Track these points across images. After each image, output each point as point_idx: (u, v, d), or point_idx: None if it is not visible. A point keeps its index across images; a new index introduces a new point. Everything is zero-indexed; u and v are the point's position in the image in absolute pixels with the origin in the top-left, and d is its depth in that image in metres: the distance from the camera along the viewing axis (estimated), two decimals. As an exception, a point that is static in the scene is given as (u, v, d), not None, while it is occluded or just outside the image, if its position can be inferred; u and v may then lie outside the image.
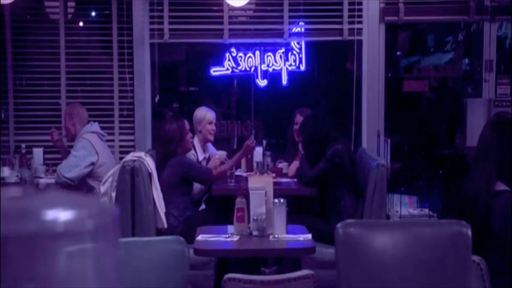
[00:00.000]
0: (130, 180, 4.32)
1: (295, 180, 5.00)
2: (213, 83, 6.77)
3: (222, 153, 5.36)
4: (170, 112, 7.13)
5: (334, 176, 4.61)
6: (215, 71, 5.87)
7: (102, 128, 5.22)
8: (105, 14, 5.87)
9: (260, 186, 3.74)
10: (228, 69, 5.81)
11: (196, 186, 5.00)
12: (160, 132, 4.93)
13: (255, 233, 3.69)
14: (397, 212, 4.80)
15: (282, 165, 5.44)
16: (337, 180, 4.61)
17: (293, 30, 5.78)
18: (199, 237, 3.67)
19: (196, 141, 5.23)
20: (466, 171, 5.81)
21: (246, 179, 4.43)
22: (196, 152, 5.16)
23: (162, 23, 5.70)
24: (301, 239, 3.66)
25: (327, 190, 4.67)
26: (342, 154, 4.63)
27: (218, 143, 5.68)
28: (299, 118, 5.24)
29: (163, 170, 4.65)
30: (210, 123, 5.28)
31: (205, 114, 5.30)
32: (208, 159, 5.25)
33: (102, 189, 4.46)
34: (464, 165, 5.96)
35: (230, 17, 5.77)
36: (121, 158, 4.97)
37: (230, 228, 3.81)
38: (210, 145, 5.43)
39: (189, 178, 4.79)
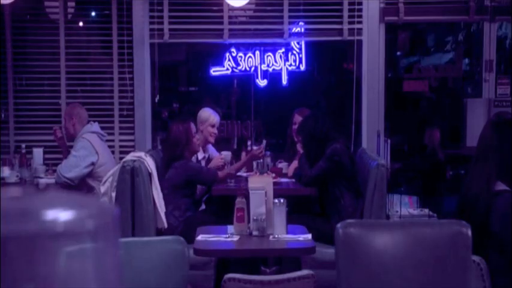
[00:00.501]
0: (130, 180, 4.32)
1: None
2: (213, 83, 6.77)
3: (227, 154, 5.32)
4: (166, 112, 7.13)
5: (333, 176, 4.61)
6: (215, 71, 5.86)
7: (102, 128, 5.21)
8: (105, 14, 5.87)
9: (260, 186, 3.74)
10: (228, 69, 5.81)
11: (197, 186, 4.99)
12: (166, 136, 4.91)
13: (255, 233, 3.69)
14: (397, 212, 4.80)
15: (282, 165, 5.43)
16: (337, 179, 4.61)
17: (293, 30, 5.78)
18: (199, 237, 3.67)
19: (196, 141, 5.21)
20: (438, 170, 5.93)
21: (246, 179, 4.43)
22: (196, 152, 5.15)
23: (162, 23, 5.70)
24: (301, 239, 3.66)
25: (327, 190, 4.67)
26: (341, 153, 4.63)
27: (218, 143, 5.67)
28: (297, 118, 5.24)
29: (168, 170, 4.64)
30: (213, 126, 5.26)
31: (209, 116, 5.27)
32: (208, 160, 5.24)
33: (102, 189, 4.46)
34: (434, 163, 6.03)
35: (230, 17, 5.76)
36: (121, 158, 4.96)
37: (230, 228, 3.80)
38: (210, 145, 5.42)
39: (194, 181, 4.78)
